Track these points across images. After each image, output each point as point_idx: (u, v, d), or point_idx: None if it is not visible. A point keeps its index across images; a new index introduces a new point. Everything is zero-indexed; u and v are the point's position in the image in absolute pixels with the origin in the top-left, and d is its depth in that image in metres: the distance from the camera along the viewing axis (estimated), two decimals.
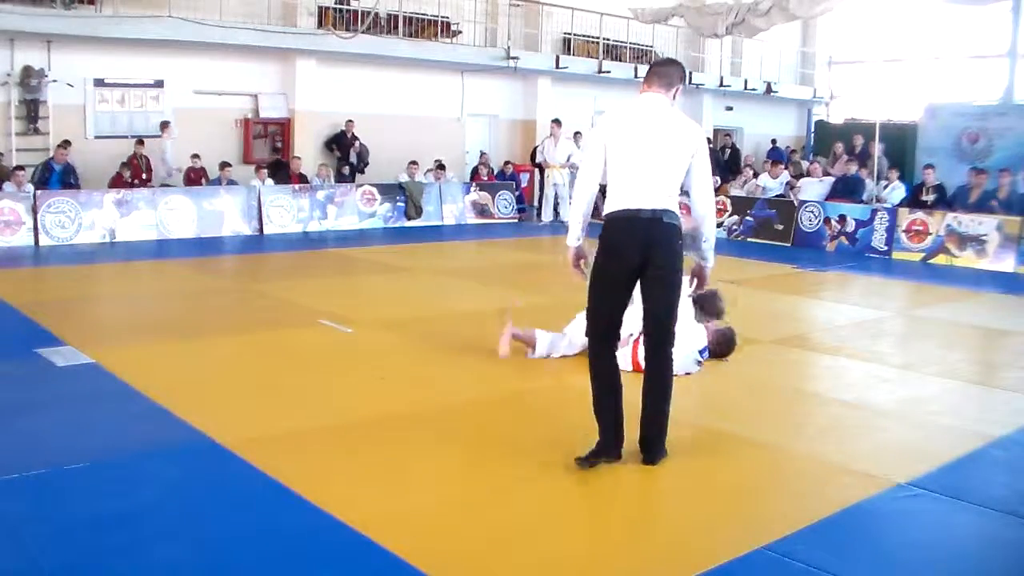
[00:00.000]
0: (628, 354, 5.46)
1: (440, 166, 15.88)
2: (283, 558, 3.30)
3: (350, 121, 15.77)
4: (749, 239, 14.12)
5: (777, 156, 18.51)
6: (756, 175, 15.58)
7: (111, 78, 14.01)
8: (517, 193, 16.80)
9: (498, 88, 18.56)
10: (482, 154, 17.34)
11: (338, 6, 15.82)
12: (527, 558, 3.36)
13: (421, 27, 16.49)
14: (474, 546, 3.45)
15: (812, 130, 23.39)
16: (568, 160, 15.30)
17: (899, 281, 10.82)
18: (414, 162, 15.40)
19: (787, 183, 14.88)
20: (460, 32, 17.36)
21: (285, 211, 13.62)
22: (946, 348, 7.19)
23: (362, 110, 16.17)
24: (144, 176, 13.38)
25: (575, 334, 6.03)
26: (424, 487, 4.02)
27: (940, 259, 12.26)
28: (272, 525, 3.58)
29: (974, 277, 11.14)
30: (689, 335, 5.74)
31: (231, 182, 13.52)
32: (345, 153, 15.78)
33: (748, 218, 14.37)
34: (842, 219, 13.34)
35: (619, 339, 4.23)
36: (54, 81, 13.30)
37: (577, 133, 16.41)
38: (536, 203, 16.85)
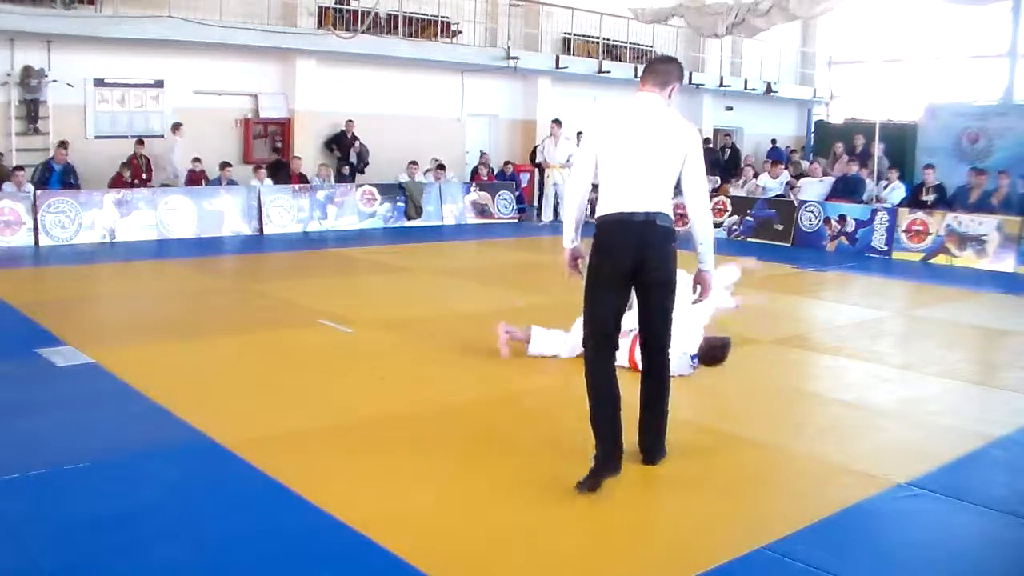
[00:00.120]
0: (626, 349, 5.44)
1: (440, 166, 15.88)
2: (283, 558, 3.30)
3: (350, 121, 15.77)
4: (749, 239, 14.11)
5: (777, 156, 18.50)
6: (756, 175, 15.57)
7: (111, 78, 14.01)
8: (517, 193, 16.79)
9: (498, 88, 18.56)
10: (482, 154, 17.33)
11: (338, 6, 15.82)
12: (527, 558, 3.36)
13: (421, 27, 16.49)
14: (474, 546, 3.45)
15: (812, 130, 23.38)
16: (568, 160, 15.28)
17: (899, 281, 10.82)
18: (414, 162, 15.40)
19: (787, 183, 14.88)
20: (460, 32, 17.35)
21: (285, 211, 13.62)
22: (946, 348, 7.19)
23: (362, 110, 16.17)
24: (144, 176, 13.39)
25: (578, 342, 5.99)
26: (424, 487, 4.01)
27: (940, 259, 12.26)
28: (272, 525, 3.58)
29: (974, 277, 11.14)
30: (684, 337, 5.72)
31: (231, 182, 13.52)
32: (345, 153, 15.78)
33: (748, 218, 14.37)
34: (842, 219, 13.34)
35: (617, 347, 4.18)
36: (54, 81, 13.30)
37: (579, 133, 16.38)
38: (536, 203, 16.86)
